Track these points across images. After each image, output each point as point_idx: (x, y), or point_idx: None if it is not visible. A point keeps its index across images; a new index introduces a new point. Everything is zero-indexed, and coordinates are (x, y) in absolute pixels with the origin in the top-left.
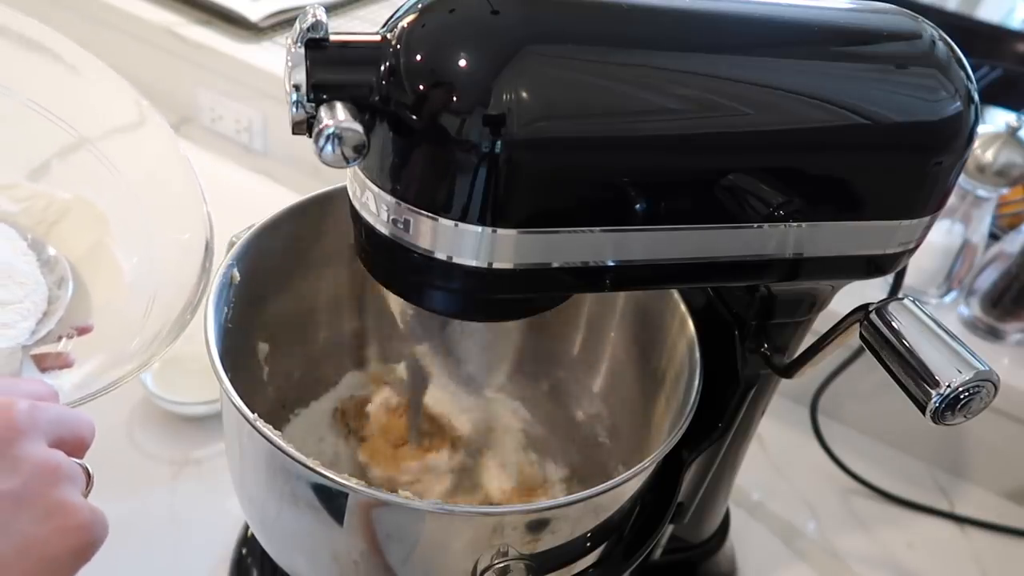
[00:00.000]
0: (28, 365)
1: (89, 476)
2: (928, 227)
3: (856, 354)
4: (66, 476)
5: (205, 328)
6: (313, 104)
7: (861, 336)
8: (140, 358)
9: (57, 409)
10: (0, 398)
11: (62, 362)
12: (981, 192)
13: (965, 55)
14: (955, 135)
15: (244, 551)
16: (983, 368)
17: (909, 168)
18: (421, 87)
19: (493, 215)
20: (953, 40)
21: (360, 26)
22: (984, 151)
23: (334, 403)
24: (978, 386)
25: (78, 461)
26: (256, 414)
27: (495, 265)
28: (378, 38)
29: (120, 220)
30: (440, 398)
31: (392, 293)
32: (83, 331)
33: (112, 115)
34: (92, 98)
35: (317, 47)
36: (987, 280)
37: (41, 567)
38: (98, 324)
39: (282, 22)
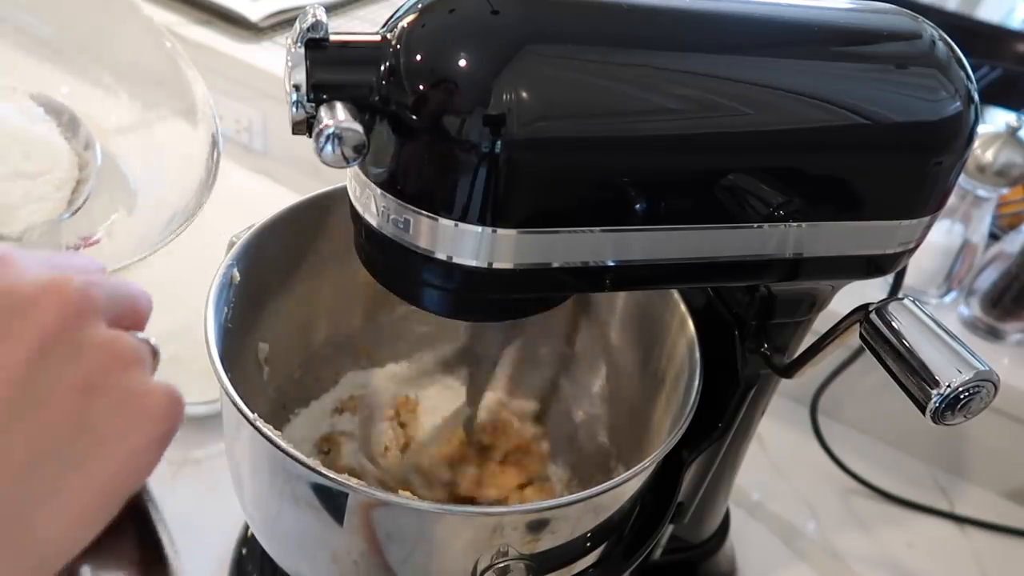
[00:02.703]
0: None
1: (155, 353)
2: (928, 227)
3: (856, 354)
4: (135, 359)
5: (205, 328)
6: (313, 104)
7: (861, 336)
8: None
9: (111, 282)
10: (51, 274)
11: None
12: (981, 192)
13: (965, 55)
14: (955, 135)
15: (244, 551)
16: (983, 368)
17: (909, 168)
18: (421, 87)
19: (493, 215)
20: (953, 40)
21: (360, 26)
22: (984, 151)
23: (334, 403)
24: (978, 386)
25: (142, 336)
26: (256, 414)
27: (495, 265)
28: (378, 38)
29: (120, 125)
30: (442, 398)
31: (393, 294)
32: (90, 243)
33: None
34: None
35: (317, 47)
36: (987, 280)
37: (122, 463)
38: (106, 234)
39: (282, 22)
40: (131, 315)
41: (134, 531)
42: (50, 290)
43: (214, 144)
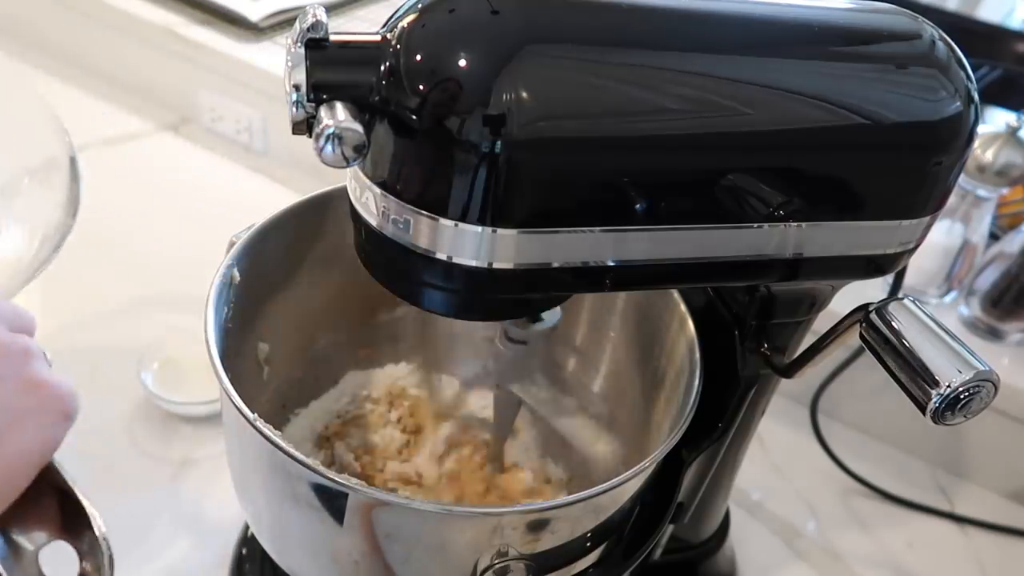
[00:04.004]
0: None
1: (47, 358)
2: (928, 227)
3: (856, 354)
4: (36, 354)
5: (205, 328)
6: (313, 104)
7: (861, 336)
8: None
9: (5, 301)
10: None
11: None
12: (981, 192)
13: (965, 55)
14: (955, 135)
15: (244, 551)
16: (983, 368)
17: (909, 168)
18: (421, 87)
19: (493, 215)
20: (953, 40)
21: (360, 26)
22: (984, 151)
23: (325, 420)
24: (978, 386)
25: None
26: (256, 414)
27: (495, 265)
28: (378, 38)
29: None
30: (442, 399)
31: (393, 294)
32: None
33: None
34: None
35: (317, 47)
36: (987, 280)
37: (36, 437)
38: None
39: (282, 22)
40: (25, 329)
41: (52, 496)
42: None
43: (72, 161)
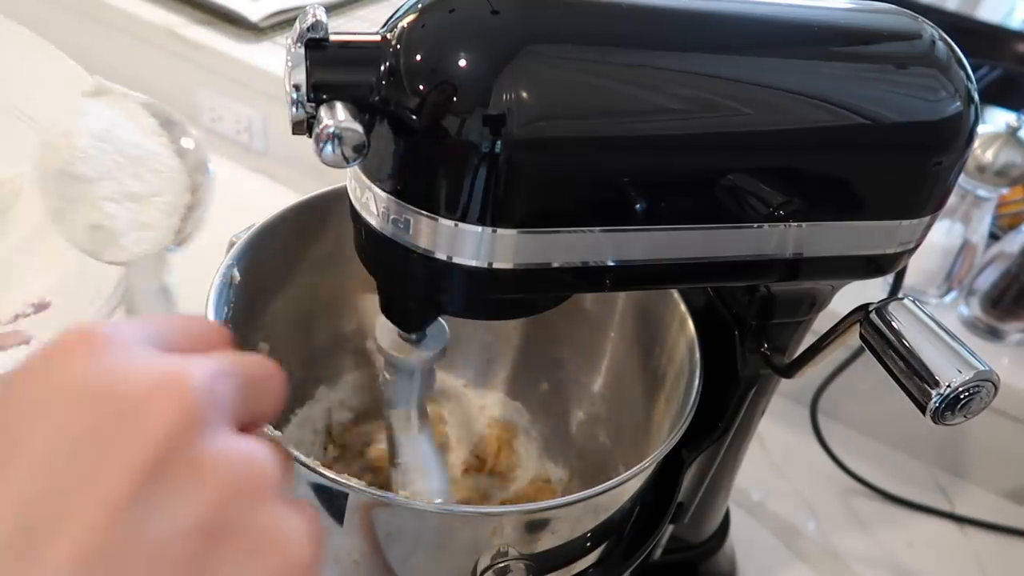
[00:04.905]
0: None
1: (287, 456)
2: (928, 227)
3: (856, 354)
4: (270, 483)
5: None
6: (313, 104)
7: (861, 336)
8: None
9: (239, 364)
10: (165, 366)
11: (20, 340)
12: (981, 192)
13: (965, 55)
14: (955, 135)
15: None
16: (983, 368)
17: (909, 168)
18: (421, 87)
19: (493, 215)
20: (953, 40)
21: (360, 26)
22: (984, 151)
23: (326, 419)
24: (978, 386)
25: (271, 434)
26: None
27: (495, 265)
28: (378, 38)
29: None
30: (442, 398)
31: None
32: (41, 308)
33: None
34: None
35: (317, 47)
36: (987, 280)
37: None
38: (54, 298)
39: (282, 22)
40: (263, 407)
41: None
42: (163, 390)
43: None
